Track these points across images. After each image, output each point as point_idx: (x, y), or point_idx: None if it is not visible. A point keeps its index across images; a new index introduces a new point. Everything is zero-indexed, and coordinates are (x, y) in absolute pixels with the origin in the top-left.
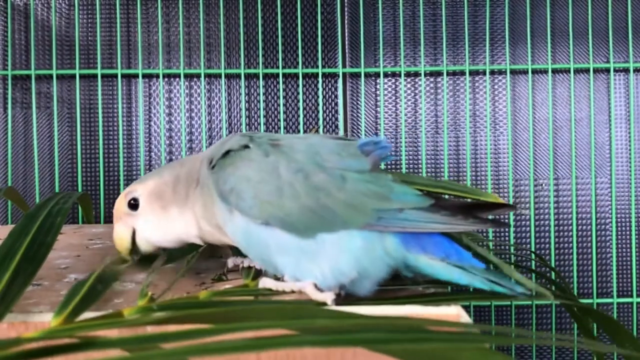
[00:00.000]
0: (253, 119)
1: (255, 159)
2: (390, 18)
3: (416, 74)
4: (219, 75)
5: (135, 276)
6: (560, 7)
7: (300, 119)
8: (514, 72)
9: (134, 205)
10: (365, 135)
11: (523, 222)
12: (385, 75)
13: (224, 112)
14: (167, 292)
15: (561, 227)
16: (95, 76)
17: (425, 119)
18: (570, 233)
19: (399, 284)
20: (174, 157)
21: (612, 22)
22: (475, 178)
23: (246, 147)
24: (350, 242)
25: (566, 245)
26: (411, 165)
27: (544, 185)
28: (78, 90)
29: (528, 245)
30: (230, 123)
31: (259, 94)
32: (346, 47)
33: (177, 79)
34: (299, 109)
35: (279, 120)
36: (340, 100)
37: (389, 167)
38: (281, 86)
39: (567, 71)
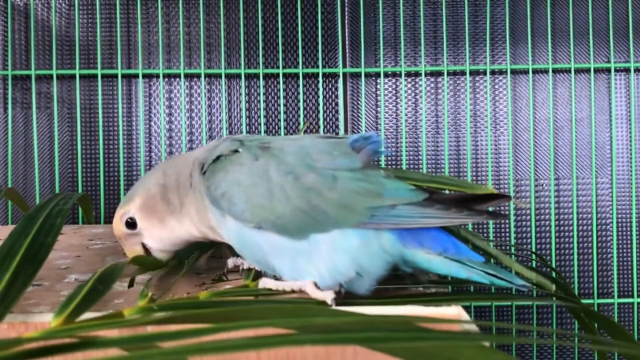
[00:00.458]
0: (253, 119)
1: (246, 163)
2: (390, 18)
3: (417, 74)
4: (219, 75)
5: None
6: (561, 6)
7: (301, 119)
8: (514, 72)
9: (131, 224)
10: None
11: (524, 223)
12: (386, 75)
13: (224, 112)
14: (168, 293)
15: (562, 227)
16: (95, 76)
17: (425, 119)
18: (571, 233)
19: (399, 284)
20: None
21: (613, 22)
22: (476, 178)
23: (236, 151)
24: (345, 241)
25: (567, 245)
26: (411, 166)
27: (544, 185)
28: (78, 91)
29: (529, 246)
30: (230, 123)
31: (259, 94)
32: (346, 47)
33: (177, 79)
34: (299, 109)
35: (279, 120)
36: (340, 101)
37: (390, 165)
38: (281, 86)
39: (568, 71)
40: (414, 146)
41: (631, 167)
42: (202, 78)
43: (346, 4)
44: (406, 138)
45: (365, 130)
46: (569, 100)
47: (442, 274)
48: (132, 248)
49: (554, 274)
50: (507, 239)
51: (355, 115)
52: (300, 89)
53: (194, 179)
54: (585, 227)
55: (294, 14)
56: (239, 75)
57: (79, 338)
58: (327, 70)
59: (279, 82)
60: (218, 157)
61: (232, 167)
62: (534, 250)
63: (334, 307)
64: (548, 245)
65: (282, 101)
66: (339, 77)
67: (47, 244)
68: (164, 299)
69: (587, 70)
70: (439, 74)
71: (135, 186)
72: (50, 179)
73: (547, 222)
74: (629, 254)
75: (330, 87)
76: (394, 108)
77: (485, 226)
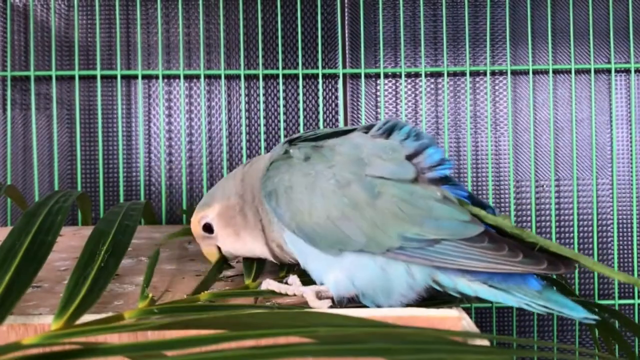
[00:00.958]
0: (253, 120)
1: (295, 164)
2: (390, 19)
3: (417, 75)
4: (219, 76)
5: (134, 278)
6: (561, 7)
7: (301, 120)
8: (514, 73)
9: (209, 228)
10: None
11: (524, 223)
12: (386, 76)
13: (223, 113)
14: (167, 294)
15: (562, 228)
16: (94, 77)
17: (425, 120)
18: (572, 234)
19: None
20: (173, 159)
21: (613, 23)
22: (476, 179)
23: (287, 152)
24: (368, 264)
25: (567, 246)
26: None
27: (545, 186)
28: (77, 92)
29: None
30: (230, 124)
31: (259, 95)
32: (346, 47)
33: (177, 80)
34: (299, 110)
35: (279, 121)
36: (340, 101)
37: None
38: (281, 87)
39: (568, 72)
40: None
41: (632, 167)
42: (202, 79)
43: (346, 5)
44: None
45: None
46: (569, 101)
47: (490, 301)
48: (208, 249)
49: (554, 275)
50: None
51: (355, 116)
52: (300, 90)
53: (261, 196)
54: (585, 228)
55: (294, 15)
56: (238, 76)
57: (80, 344)
58: (327, 71)
59: (278, 83)
60: (272, 162)
61: (282, 167)
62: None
63: (337, 311)
64: None
65: (281, 102)
66: (338, 78)
67: (47, 242)
68: (164, 300)
69: (588, 71)
70: (439, 74)
71: (215, 189)
72: (49, 181)
73: (548, 223)
74: (630, 255)
75: (330, 88)
76: (394, 109)
77: None
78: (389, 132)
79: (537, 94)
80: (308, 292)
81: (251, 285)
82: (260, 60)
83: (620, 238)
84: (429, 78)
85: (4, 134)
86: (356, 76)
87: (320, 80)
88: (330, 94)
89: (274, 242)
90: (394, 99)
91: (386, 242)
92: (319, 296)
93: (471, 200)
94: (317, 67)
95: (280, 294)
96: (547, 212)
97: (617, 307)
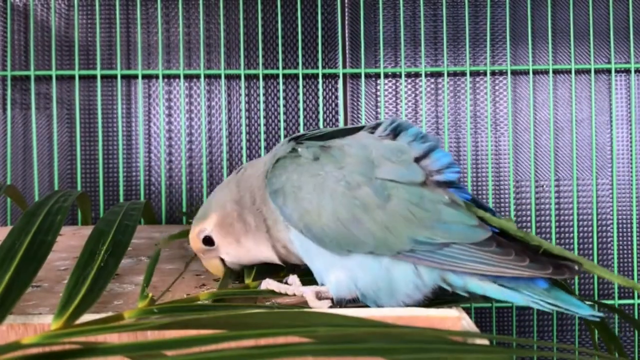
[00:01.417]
0: (253, 120)
1: (304, 163)
2: (390, 19)
3: (417, 75)
4: (219, 76)
5: (134, 278)
6: (561, 7)
7: (301, 120)
8: (514, 73)
9: (209, 241)
10: None
11: (524, 224)
12: (386, 76)
13: (223, 113)
14: (167, 294)
15: (562, 229)
16: (94, 77)
17: (425, 120)
18: (572, 234)
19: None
20: (173, 159)
21: (613, 23)
22: (476, 179)
23: (294, 150)
24: (376, 266)
25: (567, 246)
26: None
27: (544, 186)
28: (77, 91)
29: None
30: (230, 124)
31: (259, 95)
32: (346, 47)
33: (177, 80)
34: (299, 110)
35: (279, 121)
36: (340, 101)
37: None
38: (281, 87)
39: (568, 72)
40: None
41: (631, 168)
42: (202, 79)
43: (346, 5)
44: None
45: None
46: (569, 101)
47: (498, 300)
48: (210, 262)
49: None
50: None
51: (355, 116)
52: (300, 90)
53: (266, 196)
54: (585, 228)
55: (294, 15)
56: (238, 76)
57: (80, 344)
58: (327, 71)
59: (278, 83)
60: (277, 160)
61: (290, 165)
62: None
63: (337, 311)
64: None
65: (281, 102)
66: (338, 77)
67: (47, 242)
68: (164, 300)
69: (588, 71)
70: (439, 74)
71: (210, 200)
72: (49, 180)
73: (548, 223)
74: (630, 255)
75: (330, 88)
76: (394, 109)
77: None
78: (394, 132)
79: (537, 94)
80: (308, 292)
81: (251, 285)
82: (260, 60)
83: (620, 238)
84: (429, 78)
85: (4, 133)
86: (356, 76)
87: (320, 80)
88: (330, 94)
89: (279, 243)
90: (394, 99)
91: (397, 245)
92: (319, 296)
93: (474, 203)
94: (317, 67)
95: (280, 294)
96: (547, 212)
97: (617, 307)
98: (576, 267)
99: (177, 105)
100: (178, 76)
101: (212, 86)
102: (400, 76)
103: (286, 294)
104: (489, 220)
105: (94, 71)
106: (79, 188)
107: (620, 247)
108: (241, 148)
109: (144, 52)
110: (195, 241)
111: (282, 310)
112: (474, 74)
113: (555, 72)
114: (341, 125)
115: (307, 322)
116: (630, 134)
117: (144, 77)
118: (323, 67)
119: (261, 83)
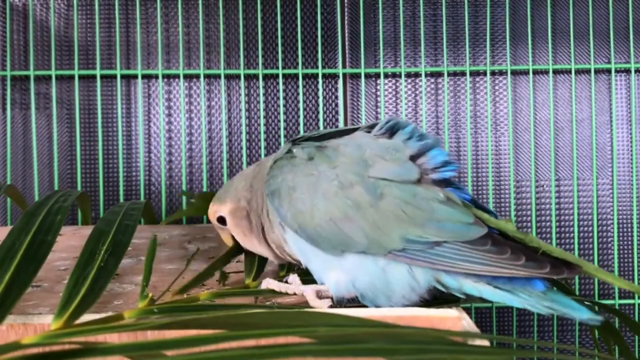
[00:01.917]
0: (253, 120)
1: (299, 164)
2: (390, 18)
3: (417, 75)
4: (219, 76)
5: (134, 278)
6: (561, 7)
7: (301, 120)
8: (514, 73)
9: (223, 221)
10: None
11: (524, 224)
12: (386, 76)
13: (223, 112)
14: (167, 294)
15: (563, 229)
16: (94, 77)
17: (425, 120)
18: (572, 234)
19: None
20: (173, 159)
21: (613, 23)
22: (476, 179)
23: (290, 151)
24: (370, 266)
25: (568, 246)
26: None
27: (545, 186)
28: (77, 91)
29: None
30: (229, 124)
31: (258, 95)
32: (346, 47)
33: (177, 80)
34: (299, 109)
35: (278, 121)
36: (340, 101)
37: None
38: (281, 87)
39: (568, 72)
40: None
41: (632, 167)
42: (202, 79)
43: (346, 5)
44: None
45: None
46: (569, 101)
47: (494, 302)
48: (224, 236)
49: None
50: None
51: (355, 116)
52: (300, 90)
53: (265, 198)
54: (586, 228)
55: (294, 15)
56: (238, 76)
57: (80, 344)
58: (327, 71)
59: (278, 83)
60: (275, 162)
61: (286, 166)
62: None
63: (337, 311)
64: None
65: (281, 102)
66: (338, 77)
67: (47, 242)
68: (164, 300)
69: (588, 71)
70: (439, 74)
71: (231, 184)
72: (49, 180)
73: (548, 224)
74: (630, 255)
75: (330, 87)
76: (394, 109)
77: None
78: (391, 131)
79: (537, 94)
80: (308, 292)
81: (251, 284)
82: (260, 60)
83: (621, 238)
84: (429, 78)
85: (3, 133)
86: (356, 76)
87: (320, 80)
88: (330, 94)
89: (274, 244)
90: (394, 99)
91: (388, 244)
92: (319, 295)
93: (474, 204)
94: (317, 67)
95: (280, 293)
96: (547, 212)
97: (617, 307)
98: (577, 267)
99: (176, 105)
100: (178, 76)
101: (212, 86)
102: (400, 76)
103: (286, 293)
104: (486, 220)
105: (93, 71)
106: (79, 188)
107: (621, 247)
108: (241, 148)
109: (144, 52)
110: (212, 216)
111: (283, 310)
112: (474, 74)
113: (555, 72)
114: (341, 125)
115: (307, 322)
116: (630, 133)
117: (144, 77)
118: (323, 67)
119: (261, 83)
